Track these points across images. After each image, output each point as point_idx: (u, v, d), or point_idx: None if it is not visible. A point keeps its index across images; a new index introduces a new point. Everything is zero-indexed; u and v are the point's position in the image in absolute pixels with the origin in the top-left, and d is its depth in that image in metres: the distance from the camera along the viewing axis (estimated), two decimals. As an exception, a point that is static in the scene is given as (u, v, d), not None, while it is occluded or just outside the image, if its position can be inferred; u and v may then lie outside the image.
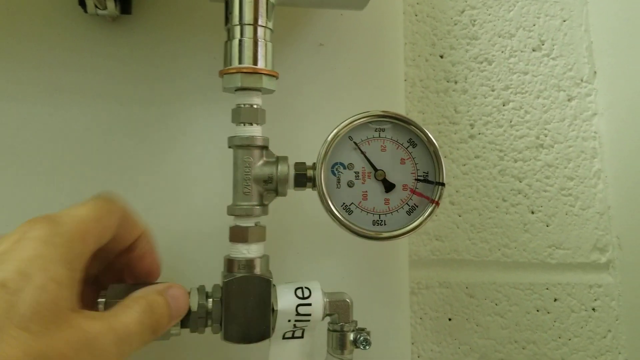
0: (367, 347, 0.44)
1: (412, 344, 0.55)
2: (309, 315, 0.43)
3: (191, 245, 0.50)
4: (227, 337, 0.41)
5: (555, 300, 0.59)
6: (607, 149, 0.61)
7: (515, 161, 0.61)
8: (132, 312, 0.34)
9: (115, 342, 0.32)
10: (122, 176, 0.49)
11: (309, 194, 0.44)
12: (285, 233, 0.50)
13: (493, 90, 0.61)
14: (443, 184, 0.43)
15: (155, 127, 0.50)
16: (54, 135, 0.49)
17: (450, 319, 0.57)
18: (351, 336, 0.45)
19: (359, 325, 0.45)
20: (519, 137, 0.61)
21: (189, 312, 0.41)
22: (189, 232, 0.50)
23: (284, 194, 0.44)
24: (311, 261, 0.51)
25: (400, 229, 0.43)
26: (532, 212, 0.60)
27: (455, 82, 0.61)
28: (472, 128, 0.61)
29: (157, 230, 0.42)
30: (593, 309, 0.59)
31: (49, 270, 0.30)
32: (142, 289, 0.37)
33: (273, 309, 0.43)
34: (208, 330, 0.43)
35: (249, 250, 0.43)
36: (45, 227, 0.31)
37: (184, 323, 0.42)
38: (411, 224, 0.43)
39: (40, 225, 0.31)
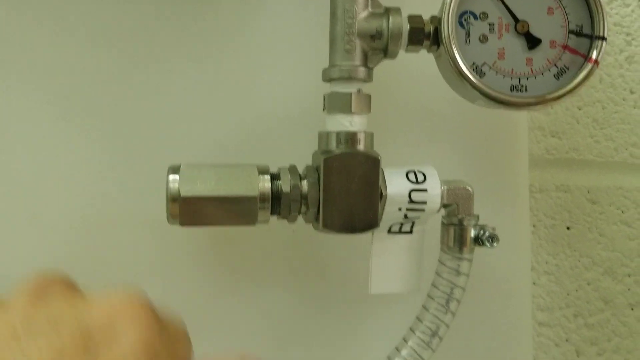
0: (495, 244, 0.36)
1: (525, 254, 0.47)
2: (424, 203, 0.35)
3: (273, 128, 0.41)
4: (327, 225, 0.34)
5: (692, 208, 0.50)
6: None
7: (646, 46, 0.51)
8: None
9: None
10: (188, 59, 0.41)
11: (421, 60, 0.35)
12: (384, 113, 0.42)
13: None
14: (604, 38, 0.34)
15: None
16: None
17: (568, 228, 0.49)
18: (472, 232, 0.36)
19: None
20: (650, 18, 0.51)
21: (280, 194, 0.34)
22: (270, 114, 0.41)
23: (394, 55, 0.35)
24: (414, 151, 0.43)
25: (547, 94, 0.34)
26: (665, 107, 0.51)
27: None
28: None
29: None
30: None
31: None
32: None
33: (382, 193, 0.34)
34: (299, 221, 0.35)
35: (352, 123, 0.34)
36: None
37: (273, 208, 0.34)
38: (562, 89, 0.34)
39: None
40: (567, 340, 0.48)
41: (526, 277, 0.44)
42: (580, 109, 0.50)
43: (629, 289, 0.48)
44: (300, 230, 0.41)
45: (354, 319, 0.42)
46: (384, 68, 0.36)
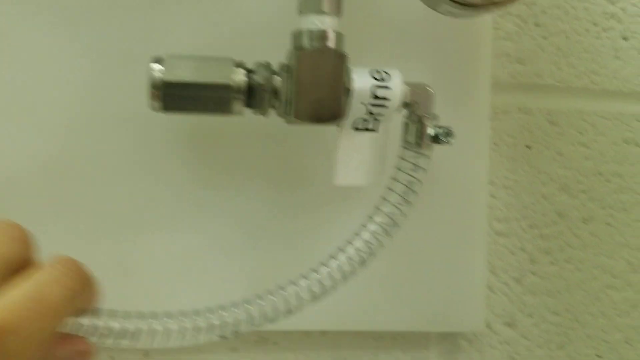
0: (450, 140, 0.39)
1: (486, 170, 0.50)
2: (387, 100, 0.38)
3: (251, 31, 0.44)
4: (298, 115, 0.37)
5: (646, 132, 0.53)
6: None
7: (610, -18, 0.54)
8: None
9: None
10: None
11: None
12: (354, 27, 0.45)
13: None
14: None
15: None
16: None
17: (528, 147, 0.52)
18: (431, 130, 0.40)
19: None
20: (615, -46, 0.54)
21: (254, 86, 0.37)
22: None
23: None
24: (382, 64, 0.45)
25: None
26: (625, 39, 0.54)
27: None
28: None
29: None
30: (688, 145, 0.53)
31: None
32: None
33: (348, 88, 0.37)
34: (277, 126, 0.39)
35: (323, 22, 0.37)
36: None
37: (249, 102, 0.37)
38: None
39: None
40: (522, 249, 0.51)
41: (483, 188, 0.48)
42: (545, 39, 0.53)
43: (583, 204, 0.52)
44: (274, 134, 0.44)
45: (322, 216, 0.45)
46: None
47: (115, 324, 0.34)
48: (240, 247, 0.45)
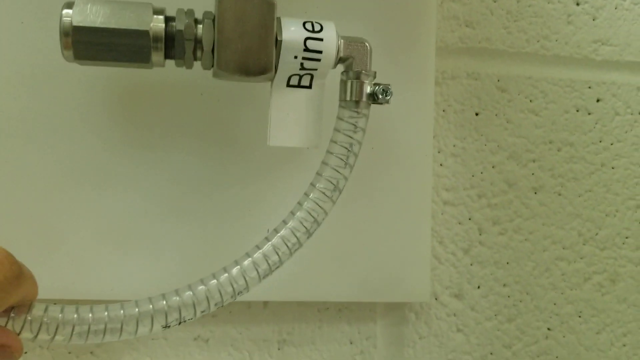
0: (388, 98, 0.37)
1: (433, 137, 0.48)
2: (320, 52, 0.35)
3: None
4: (221, 66, 0.34)
5: (598, 100, 0.51)
6: None
7: (561, -56, 0.52)
8: None
9: None
10: None
11: None
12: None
13: None
14: None
15: None
16: None
17: (477, 114, 0.50)
18: (368, 88, 0.37)
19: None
20: None
21: (173, 34, 0.34)
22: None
23: None
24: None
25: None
26: (577, 4, 0.52)
27: None
28: None
29: None
30: (640, 113, 0.51)
31: None
32: None
33: (277, 39, 0.35)
34: (200, 75, 0.35)
35: (249, -34, 0.34)
36: None
37: (168, 52, 0.34)
38: None
39: None
40: (470, 219, 0.49)
41: (428, 155, 0.45)
42: (495, 1, 0.51)
43: (532, 174, 0.50)
44: (207, 93, 0.41)
45: (259, 178, 0.43)
46: None
47: (49, 317, 0.31)
48: (175, 209, 0.42)
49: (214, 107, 0.42)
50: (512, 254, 0.50)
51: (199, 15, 0.35)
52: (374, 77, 0.38)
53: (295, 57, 0.35)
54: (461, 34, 0.50)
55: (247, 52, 0.34)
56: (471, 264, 0.49)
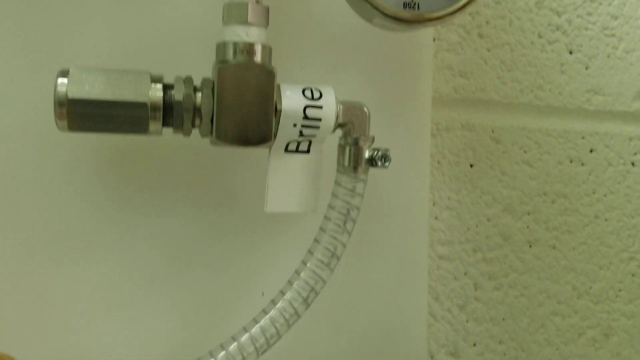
0: (387, 164, 0.36)
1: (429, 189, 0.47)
2: (319, 120, 0.35)
3: (175, 41, 0.40)
4: (220, 136, 0.33)
5: (591, 151, 0.51)
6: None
7: (555, -8, 0.52)
8: None
9: None
10: None
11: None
12: (287, 38, 0.41)
13: None
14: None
15: None
16: None
17: (472, 165, 0.49)
18: (367, 153, 0.37)
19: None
20: (561, -35, 0.52)
21: (172, 104, 0.33)
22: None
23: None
24: (318, 77, 0.42)
25: (436, 10, 0.34)
26: (571, 52, 0.52)
27: None
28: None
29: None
30: (632, 164, 0.51)
31: None
32: None
33: (276, 107, 0.34)
34: (196, 135, 0.35)
35: (249, 34, 0.34)
36: None
37: (166, 118, 0.33)
38: (451, 6, 0.34)
39: None
40: (465, 274, 0.49)
41: (424, 210, 0.45)
42: (489, 51, 0.51)
43: (527, 227, 0.50)
44: (202, 153, 0.41)
45: (255, 244, 0.42)
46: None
47: None
48: (165, 275, 0.41)
49: (209, 169, 0.41)
50: (508, 310, 0.49)
51: (197, 81, 0.35)
52: (373, 142, 0.37)
53: (295, 125, 0.35)
54: (455, 84, 0.50)
55: (247, 121, 0.34)
56: (467, 321, 0.49)
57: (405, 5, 0.35)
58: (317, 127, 0.35)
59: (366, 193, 0.40)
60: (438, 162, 0.49)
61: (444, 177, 0.49)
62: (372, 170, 0.38)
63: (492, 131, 0.50)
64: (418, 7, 0.35)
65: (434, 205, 0.48)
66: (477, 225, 0.49)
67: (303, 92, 0.35)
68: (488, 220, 0.49)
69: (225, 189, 0.41)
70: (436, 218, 0.48)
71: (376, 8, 0.34)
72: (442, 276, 0.48)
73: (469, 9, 0.36)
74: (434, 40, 0.50)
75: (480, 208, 0.49)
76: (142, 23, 0.39)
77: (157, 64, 0.37)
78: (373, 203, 0.43)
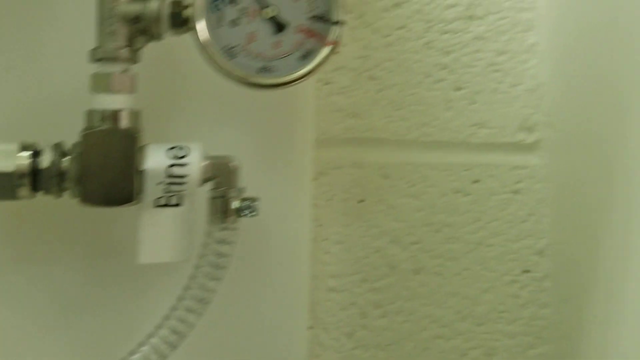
0: (254, 214, 0.39)
1: (320, 226, 0.51)
2: (184, 177, 0.38)
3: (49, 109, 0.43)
4: (85, 199, 0.36)
5: (475, 182, 0.55)
6: (544, 21, 0.55)
7: (443, 33, 0.55)
8: None
9: None
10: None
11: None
12: (166, 92, 0.44)
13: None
14: (339, 23, 0.37)
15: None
16: None
17: (361, 201, 0.53)
18: (235, 204, 0.40)
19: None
20: (449, 6, 0.55)
21: (39, 171, 0.36)
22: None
23: (159, 38, 0.38)
24: (197, 130, 0.45)
25: (289, 74, 0.37)
26: (458, 89, 0.55)
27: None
28: (397, -5, 0.55)
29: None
30: (515, 192, 0.55)
31: None
32: None
33: (138, 169, 0.37)
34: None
35: (114, 101, 0.37)
36: None
37: (37, 185, 0.36)
38: (302, 69, 0.37)
39: None
40: (353, 304, 0.52)
41: (306, 248, 0.48)
42: (379, 92, 0.54)
43: (413, 256, 0.53)
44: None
45: (138, 290, 0.45)
46: (177, 49, 0.39)
47: None
48: (55, 322, 0.43)
49: (96, 221, 0.44)
50: (393, 336, 0.53)
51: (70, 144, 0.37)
52: (242, 193, 0.40)
53: (159, 183, 0.38)
54: (346, 125, 0.53)
55: (110, 184, 0.37)
56: (354, 348, 0.52)
57: (261, 69, 0.38)
58: (183, 184, 0.38)
59: (250, 235, 0.43)
60: (328, 200, 0.52)
61: (334, 213, 0.52)
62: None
63: (381, 167, 0.53)
64: (274, 71, 0.38)
65: (324, 240, 0.51)
66: (365, 257, 0.52)
67: (170, 150, 0.38)
68: (376, 251, 0.52)
69: (110, 239, 0.44)
70: (327, 253, 0.51)
71: (229, 76, 0.37)
72: (330, 307, 0.51)
73: (322, 68, 0.39)
74: (326, 84, 0.53)
75: (369, 241, 0.52)
76: (28, 92, 0.42)
77: (39, 130, 0.40)
78: (257, 245, 0.46)
